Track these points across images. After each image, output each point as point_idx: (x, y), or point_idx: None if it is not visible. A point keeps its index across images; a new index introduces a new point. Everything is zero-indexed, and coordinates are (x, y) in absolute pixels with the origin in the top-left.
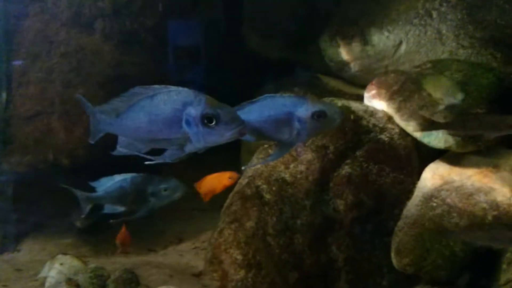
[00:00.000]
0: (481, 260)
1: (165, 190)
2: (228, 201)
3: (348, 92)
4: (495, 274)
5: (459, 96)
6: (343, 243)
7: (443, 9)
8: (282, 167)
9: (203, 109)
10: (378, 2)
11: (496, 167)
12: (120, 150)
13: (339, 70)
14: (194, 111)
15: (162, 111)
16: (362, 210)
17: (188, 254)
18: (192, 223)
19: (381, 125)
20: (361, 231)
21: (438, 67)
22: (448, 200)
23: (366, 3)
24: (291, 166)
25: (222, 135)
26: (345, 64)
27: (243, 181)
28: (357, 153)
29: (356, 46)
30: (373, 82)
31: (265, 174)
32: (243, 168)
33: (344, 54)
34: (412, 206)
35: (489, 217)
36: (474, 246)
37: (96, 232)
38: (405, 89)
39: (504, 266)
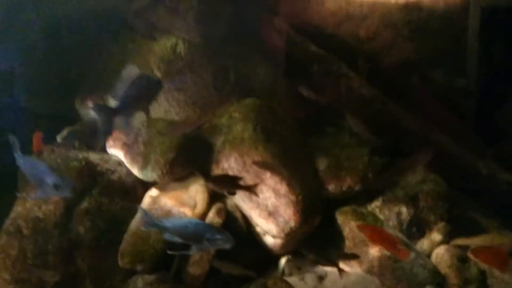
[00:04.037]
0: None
1: (219, 240)
2: None
3: None
4: None
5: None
6: (86, 256)
7: None
8: (36, 208)
9: None
10: (109, 76)
11: (186, 189)
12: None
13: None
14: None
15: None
16: (98, 231)
17: None
18: None
19: (112, 168)
20: (98, 245)
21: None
22: (156, 216)
23: (102, 76)
24: (43, 206)
25: None
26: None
27: (8, 221)
28: (94, 191)
29: None
30: (111, 135)
31: (23, 215)
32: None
33: (94, 114)
34: (134, 222)
35: None
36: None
37: None
38: (131, 141)
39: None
